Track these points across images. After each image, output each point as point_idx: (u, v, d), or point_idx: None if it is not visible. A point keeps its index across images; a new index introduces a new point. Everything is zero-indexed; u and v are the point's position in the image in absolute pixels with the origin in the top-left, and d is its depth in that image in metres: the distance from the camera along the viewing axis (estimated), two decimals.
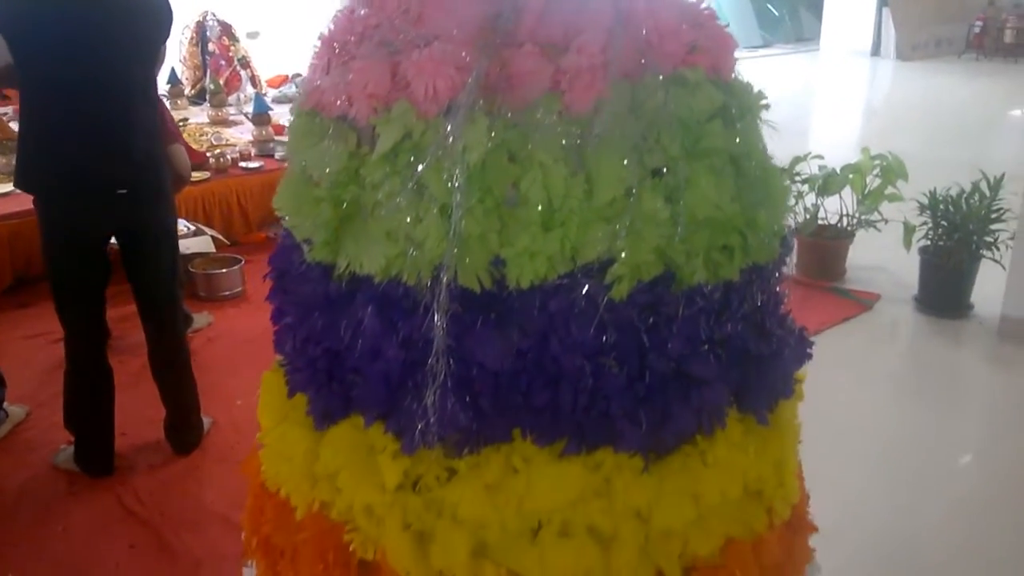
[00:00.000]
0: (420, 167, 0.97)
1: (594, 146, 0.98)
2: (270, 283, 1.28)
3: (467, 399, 1.03)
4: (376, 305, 1.06)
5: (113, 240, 2.95)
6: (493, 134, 0.97)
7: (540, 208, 0.98)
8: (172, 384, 3.09)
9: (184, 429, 3.18)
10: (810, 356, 1.23)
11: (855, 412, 3.60)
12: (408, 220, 1.01)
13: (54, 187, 2.71)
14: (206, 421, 3.32)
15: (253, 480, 1.36)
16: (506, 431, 1.06)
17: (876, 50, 14.40)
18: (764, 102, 1.10)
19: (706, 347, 1.07)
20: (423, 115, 1.01)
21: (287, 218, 1.17)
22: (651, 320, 1.04)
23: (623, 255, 0.99)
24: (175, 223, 2.99)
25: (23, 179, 2.76)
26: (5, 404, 3.40)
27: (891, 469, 3.18)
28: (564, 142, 0.98)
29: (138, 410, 3.39)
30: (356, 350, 1.10)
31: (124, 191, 2.72)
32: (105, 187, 2.70)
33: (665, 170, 1.01)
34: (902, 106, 10.80)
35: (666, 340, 1.04)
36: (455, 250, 0.99)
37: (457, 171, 0.97)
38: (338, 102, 1.07)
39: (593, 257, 1.00)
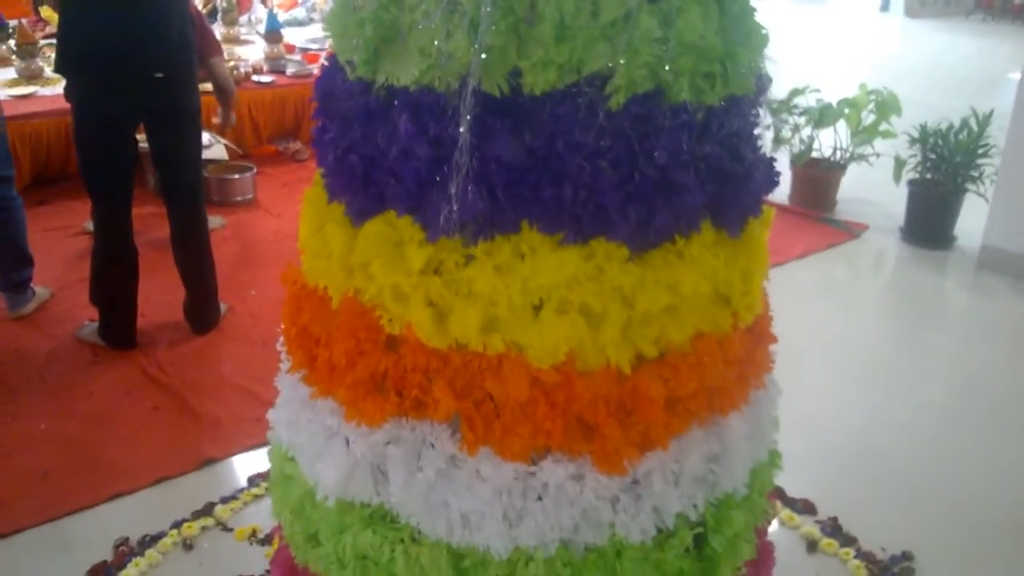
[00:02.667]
0: None
1: None
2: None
3: (484, 190, 1.22)
4: (410, 111, 1.25)
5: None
6: None
7: (553, 25, 1.17)
8: (193, 263, 3.29)
9: (203, 310, 3.39)
10: (777, 183, 1.43)
11: (838, 327, 3.82)
12: (441, 35, 1.19)
13: (93, 68, 2.88)
14: (222, 306, 3.53)
15: (291, 288, 1.56)
16: (516, 222, 1.26)
17: (885, 6, 14.43)
18: None
19: (687, 159, 1.26)
20: None
21: (333, 41, 1.35)
22: (642, 130, 1.23)
23: (621, 69, 1.18)
24: (200, 107, 3.17)
25: (62, 61, 2.93)
26: (32, 284, 3.60)
27: (868, 376, 3.41)
28: None
29: (157, 296, 3.61)
30: (391, 155, 1.29)
31: (160, 75, 2.89)
32: (143, 70, 2.87)
33: None
34: (904, 58, 10.89)
35: (654, 149, 1.23)
36: (480, 60, 1.17)
37: None
38: None
39: (596, 68, 1.19)
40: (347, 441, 1.44)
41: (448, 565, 1.38)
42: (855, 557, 2.35)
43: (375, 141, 1.32)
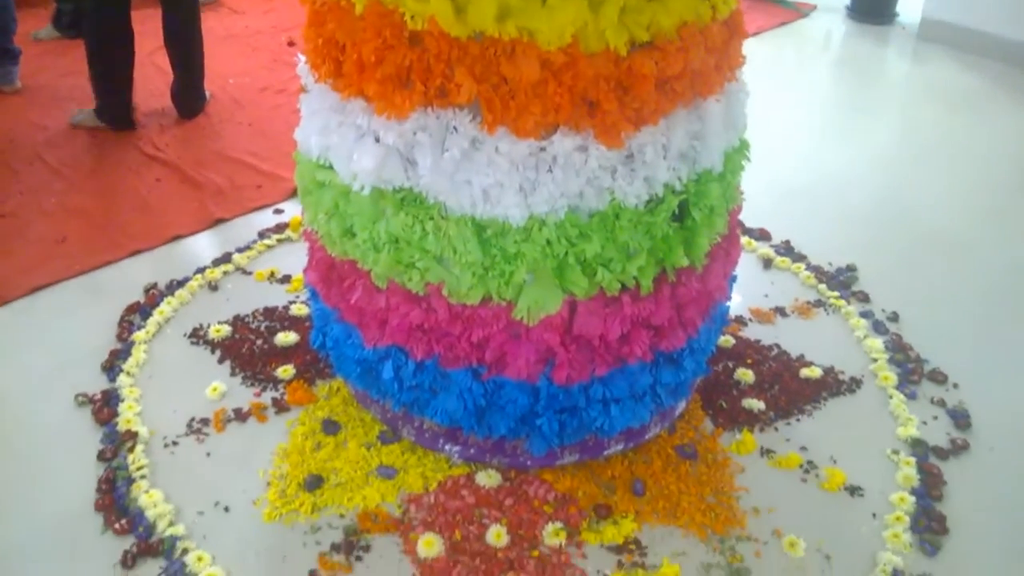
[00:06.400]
0: None
1: None
2: None
3: None
4: None
5: None
6: None
7: None
8: (185, 46, 3.38)
9: (191, 94, 3.51)
10: None
11: (790, 93, 4.06)
12: None
13: None
14: (207, 94, 3.64)
15: (311, 6, 1.71)
16: None
17: None
18: None
19: None
20: None
21: None
22: None
23: None
24: None
25: None
26: None
27: (816, 131, 3.70)
28: None
29: (144, 86, 3.70)
30: None
31: None
32: None
33: None
34: None
35: None
36: None
37: None
38: None
39: None
40: (376, 137, 1.65)
41: (473, 235, 1.63)
42: (806, 270, 2.68)
43: None
